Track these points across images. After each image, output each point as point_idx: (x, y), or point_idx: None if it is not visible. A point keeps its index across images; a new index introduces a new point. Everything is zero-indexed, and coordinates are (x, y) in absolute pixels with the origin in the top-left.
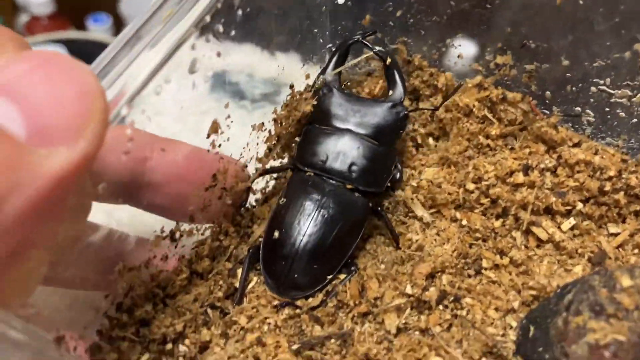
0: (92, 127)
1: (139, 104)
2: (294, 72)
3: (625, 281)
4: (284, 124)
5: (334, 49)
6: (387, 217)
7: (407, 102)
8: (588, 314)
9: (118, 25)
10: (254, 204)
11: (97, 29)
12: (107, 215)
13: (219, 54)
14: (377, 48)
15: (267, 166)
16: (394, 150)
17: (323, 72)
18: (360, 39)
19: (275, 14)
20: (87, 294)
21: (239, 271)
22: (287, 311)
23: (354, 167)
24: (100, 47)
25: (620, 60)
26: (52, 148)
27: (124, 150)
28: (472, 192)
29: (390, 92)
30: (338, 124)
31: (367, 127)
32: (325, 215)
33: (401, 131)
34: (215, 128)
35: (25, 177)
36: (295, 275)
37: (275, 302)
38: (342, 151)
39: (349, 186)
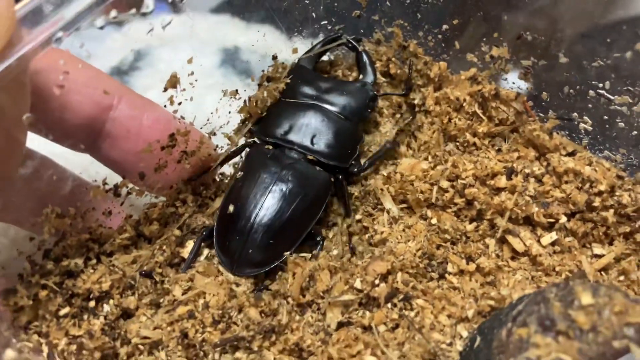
0: (3, 29)
1: (145, 68)
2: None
3: (586, 298)
4: (259, 104)
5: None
6: (345, 187)
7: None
8: (534, 327)
9: None
10: (221, 177)
11: None
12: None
13: None
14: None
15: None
16: (360, 128)
17: (301, 57)
18: (349, 39)
19: None
20: (15, 234)
21: (190, 242)
22: (230, 288)
23: (316, 139)
24: None
25: (621, 60)
26: None
27: (57, 84)
28: (446, 190)
29: (361, 77)
30: (305, 99)
31: (334, 103)
32: (284, 189)
33: (369, 110)
34: (173, 82)
35: None
36: (250, 251)
37: (220, 277)
38: (305, 123)
39: (310, 157)
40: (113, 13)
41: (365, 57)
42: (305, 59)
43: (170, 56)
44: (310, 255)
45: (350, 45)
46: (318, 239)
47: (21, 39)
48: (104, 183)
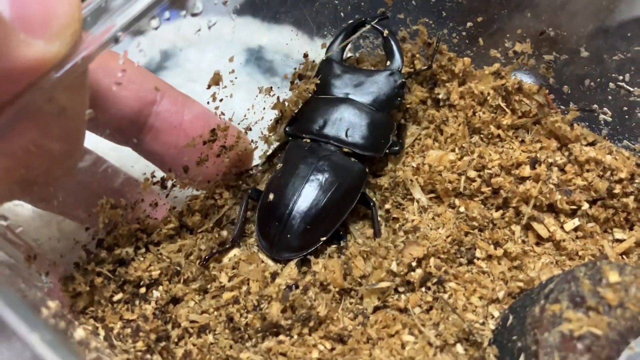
0: (70, 33)
1: (173, 68)
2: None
3: (613, 276)
4: (291, 105)
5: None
6: (376, 209)
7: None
8: (566, 303)
9: None
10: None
11: None
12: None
13: None
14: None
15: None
16: (392, 118)
17: (328, 50)
18: (370, 20)
19: None
20: (72, 225)
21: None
22: (270, 276)
23: (351, 132)
24: None
25: None
26: (31, 38)
27: (116, 81)
28: (473, 180)
29: (388, 63)
30: (336, 92)
31: (364, 95)
32: (320, 178)
33: (399, 99)
34: (216, 80)
35: (2, 47)
36: (288, 236)
37: (262, 265)
38: (338, 117)
39: (345, 150)
40: (167, 14)
41: (392, 42)
42: (333, 52)
43: (197, 56)
44: (338, 246)
45: (376, 29)
46: (341, 232)
47: (83, 40)
48: (152, 176)
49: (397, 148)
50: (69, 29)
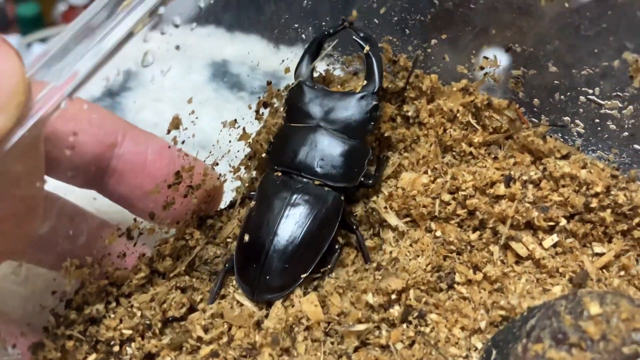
0: (14, 106)
1: (136, 88)
2: (292, 64)
3: (594, 308)
4: (263, 145)
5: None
6: (359, 232)
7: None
8: (549, 342)
9: None
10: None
11: None
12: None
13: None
14: (361, 34)
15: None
16: (366, 143)
17: (296, 73)
18: (331, 32)
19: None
20: (34, 290)
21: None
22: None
23: (322, 163)
24: None
25: (609, 69)
26: None
27: (67, 146)
28: (448, 203)
29: (365, 82)
30: (307, 121)
31: (335, 122)
32: (295, 213)
33: (372, 123)
34: (176, 124)
35: None
36: (268, 278)
37: (246, 308)
38: (310, 147)
39: (317, 183)
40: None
41: (372, 59)
42: (302, 70)
43: (160, 74)
44: (323, 271)
45: (357, 43)
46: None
47: (32, 105)
48: (117, 229)
49: (370, 182)
50: (12, 102)
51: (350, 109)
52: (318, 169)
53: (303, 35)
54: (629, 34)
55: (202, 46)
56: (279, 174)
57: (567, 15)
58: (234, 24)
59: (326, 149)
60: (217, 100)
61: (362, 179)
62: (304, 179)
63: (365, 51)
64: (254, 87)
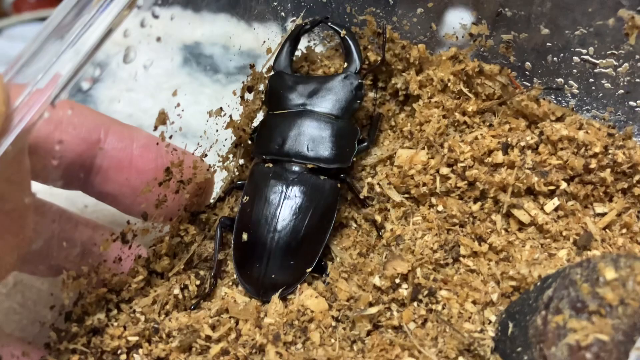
0: None
1: (105, 79)
2: (273, 43)
3: (609, 273)
4: (246, 130)
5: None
6: (352, 181)
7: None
8: (568, 312)
9: None
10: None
11: None
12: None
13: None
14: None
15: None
16: (354, 123)
17: (275, 63)
18: (309, 26)
19: None
20: (30, 308)
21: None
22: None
23: (312, 145)
24: None
25: (604, 27)
26: None
27: (53, 156)
28: (447, 177)
29: (346, 64)
30: (291, 106)
31: (321, 103)
32: (293, 206)
33: (358, 101)
34: (162, 119)
35: None
36: (273, 276)
37: (250, 304)
38: (297, 132)
39: (310, 166)
40: None
41: (349, 41)
42: (281, 61)
43: (129, 62)
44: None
45: (333, 29)
46: (322, 263)
47: (13, 118)
48: (111, 234)
49: (364, 144)
50: None
51: (334, 90)
52: (309, 152)
53: (282, 13)
54: None
55: (170, 29)
56: (270, 164)
57: None
58: (199, 3)
59: (315, 132)
60: (192, 84)
61: (354, 159)
62: (296, 167)
63: (342, 34)
64: (229, 69)
